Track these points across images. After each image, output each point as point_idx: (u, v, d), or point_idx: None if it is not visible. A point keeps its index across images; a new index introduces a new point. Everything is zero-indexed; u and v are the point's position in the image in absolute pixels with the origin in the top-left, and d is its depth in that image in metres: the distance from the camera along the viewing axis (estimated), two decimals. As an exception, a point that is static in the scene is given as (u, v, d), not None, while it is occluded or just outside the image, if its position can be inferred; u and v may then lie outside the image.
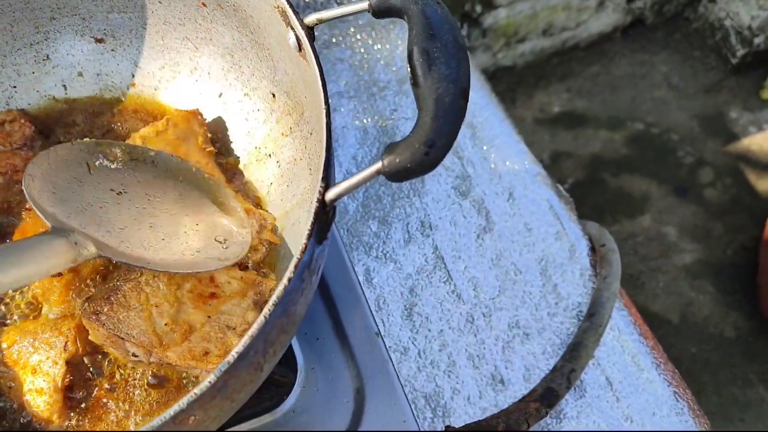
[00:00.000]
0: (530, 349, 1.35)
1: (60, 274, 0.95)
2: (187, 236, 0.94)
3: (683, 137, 2.99)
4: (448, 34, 0.73)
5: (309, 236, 0.72)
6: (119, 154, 0.95)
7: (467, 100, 0.72)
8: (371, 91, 1.64)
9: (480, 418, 1.19)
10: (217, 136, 1.10)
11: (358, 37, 1.70)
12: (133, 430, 0.89)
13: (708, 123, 3.02)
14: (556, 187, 1.55)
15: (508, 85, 3.08)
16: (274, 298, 0.69)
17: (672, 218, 2.79)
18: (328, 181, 0.76)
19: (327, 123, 0.78)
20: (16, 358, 0.91)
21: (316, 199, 0.74)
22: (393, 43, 1.70)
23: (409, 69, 0.74)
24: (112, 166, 0.94)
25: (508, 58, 3.10)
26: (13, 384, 0.92)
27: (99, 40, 1.13)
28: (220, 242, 0.95)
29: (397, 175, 0.70)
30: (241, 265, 0.99)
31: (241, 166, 1.08)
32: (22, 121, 1.08)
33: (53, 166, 0.89)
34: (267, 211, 1.04)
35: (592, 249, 1.47)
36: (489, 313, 1.38)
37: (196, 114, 1.08)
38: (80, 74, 1.14)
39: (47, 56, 1.12)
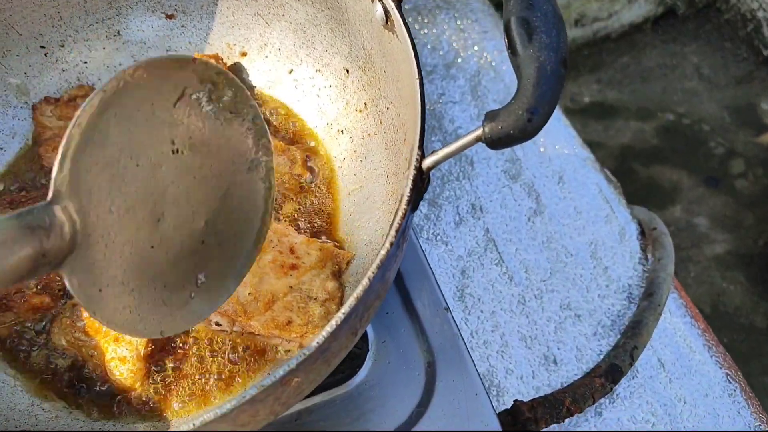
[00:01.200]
0: (581, 330, 1.35)
1: None
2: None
3: (714, 128, 2.99)
4: (547, 4, 0.74)
5: (408, 202, 0.73)
6: (227, 98, 0.73)
7: (567, 69, 0.73)
8: (418, 75, 1.64)
9: (533, 397, 1.20)
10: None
11: (405, 21, 1.70)
12: (219, 396, 0.90)
13: (739, 114, 3.02)
14: (604, 172, 1.56)
15: (539, 75, 3.07)
16: (377, 262, 0.70)
17: (703, 209, 2.79)
18: (423, 149, 0.77)
19: (421, 93, 0.78)
20: (98, 327, 0.93)
21: (413, 167, 0.75)
22: (440, 28, 1.71)
23: (506, 38, 0.75)
24: (206, 108, 0.72)
25: (538, 48, 3.10)
26: (94, 352, 0.93)
27: (169, 16, 1.14)
28: None
29: (498, 141, 0.71)
30: (314, 232, 1.00)
31: (313, 142, 1.09)
32: None
33: (146, 79, 0.65)
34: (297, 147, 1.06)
35: (642, 233, 1.48)
36: (540, 294, 1.39)
37: (217, 59, 1.10)
38: (150, 50, 1.15)
39: (118, 32, 1.13)
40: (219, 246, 0.76)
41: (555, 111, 1.62)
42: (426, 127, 1.56)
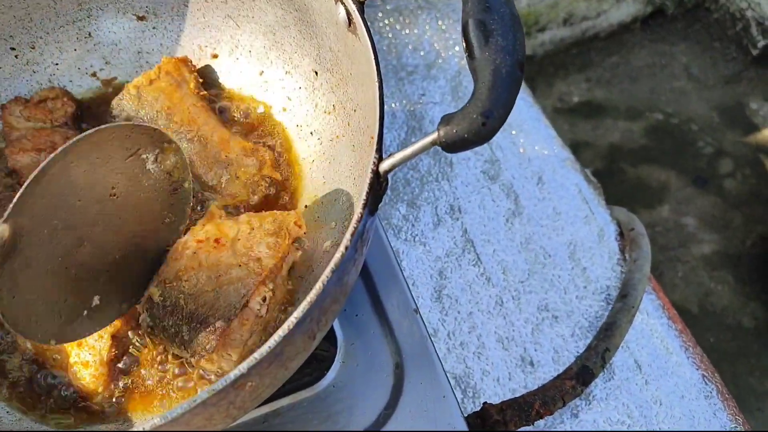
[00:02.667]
0: (559, 331, 1.35)
1: None
2: None
3: (703, 128, 2.98)
4: (504, 6, 0.74)
5: (364, 206, 0.73)
6: (169, 162, 0.91)
7: (523, 72, 0.73)
8: (399, 76, 1.64)
9: (515, 396, 1.20)
10: (208, 82, 1.13)
11: (386, 21, 1.70)
12: (179, 400, 0.90)
13: (728, 114, 3.01)
14: (584, 173, 1.56)
15: (528, 74, 3.07)
16: (331, 266, 0.70)
17: (691, 208, 2.78)
18: (381, 153, 0.76)
19: (380, 95, 0.78)
20: None
21: (369, 170, 0.75)
22: (421, 28, 1.71)
23: (463, 41, 0.75)
24: (150, 166, 0.89)
25: (527, 47, 3.10)
26: (58, 356, 0.93)
27: (141, 18, 1.13)
28: None
29: (453, 145, 0.71)
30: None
31: (282, 144, 1.08)
32: (65, 99, 1.09)
33: (115, 134, 0.83)
34: (266, 149, 1.06)
35: (620, 234, 1.48)
36: (518, 295, 1.39)
37: (186, 61, 1.10)
38: (121, 52, 1.14)
39: (89, 34, 1.13)
40: (120, 278, 0.90)
41: (535, 112, 1.63)
42: (408, 128, 1.57)
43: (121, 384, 0.92)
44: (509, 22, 0.73)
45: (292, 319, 0.68)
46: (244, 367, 0.66)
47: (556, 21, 3.07)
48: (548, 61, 3.18)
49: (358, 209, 0.73)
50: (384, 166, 0.75)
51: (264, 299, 0.90)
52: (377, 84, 0.78)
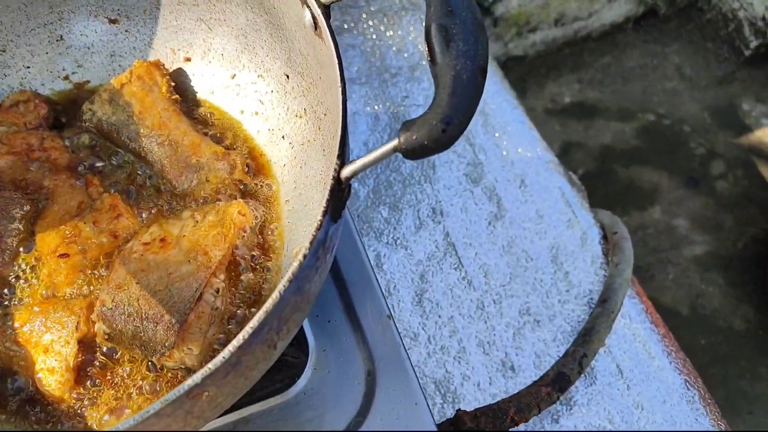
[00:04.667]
0: (541, 336, 1.34)
1: (66, 255, 0.95)
2: None
3: (695, 129, 2.97)
4: (467, 11, 0.73)
5: (324, 213, 0.72)
6: None
7: (485, 77, 0.72)
8: (383, 78, 1.63)
9: (490, 403, 1.19)
10: (180, 86, 1.12)
11: (370, 23, 1.69)
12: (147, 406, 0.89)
13: (720, 115, 3.00)
14: (568, 175, 1.55)
15: (519, 75, 3.06)
16: (288, 275, 0.69)
17: (682, 210, 2.77)
18: (343, 158, 0.75)
19: (343, 100, 0.77)
20: (28, 337, 0.91)
21: (331, 177, 0.74)
22: (405, 30, 1.70)
23: (426, 46, 0.74)
24: None
25: (519, 47, 3.09)
26: (24, 363, 0.92)
27: (113, 21, 1.12)
28: None
29: (413, 152, 0.70)
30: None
31: (254, 148, 1.08)
32: (37, 101, 1.08)
33: None
34: (236, 153, 1.06)
35: (604, 237, 1.46)
36: (500, 299, 1.38)
37: (158, 65, 1.10)
38: (94, 55, 1.14)
39: (61, 37, 1.12)
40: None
41: (519, 114, 1.62)
42: (391, 131, 1.55)
43: (89, 391, 0.91)
44: (471, 27, 0.72)
45: (248, 329, 0.67)
46: (198, 377, 0.65)
47: (548, 21, 3.06)
48: (540, 62, 3.17)
49: (318, 216, 0.72)
50: (345, 172, 0.74)
51: (217, 291, 0.91)
52: (340, 88, 0.77)
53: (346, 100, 0.77)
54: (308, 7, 0.85)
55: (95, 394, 0.91)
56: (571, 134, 2.97)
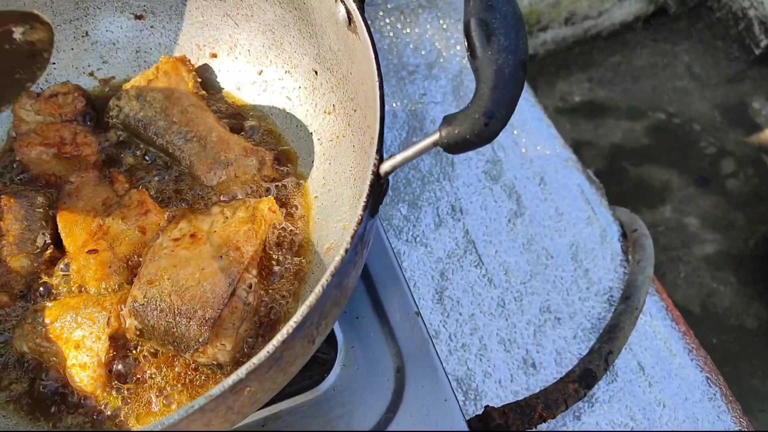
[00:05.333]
0: (561, 333, 1.34)
1: (95, 251, 0.95)
2: None
3: (705, 127, 2.97)
4: (507, 5, 0.73)
5: (364, 208, 0.72)
6: (36, 36, 1.06)
7: (526, 72, 0.71)
8: (400, 75, 1.63)
9: (511, 401, 1.18)
10: (206, 82, 1.12)
11: (387, 20, 1.69)
12: (187, 403, 0.89)
13: (730, 113, 3.00)
14: (586, 173, 1.55)
15: (529, 73, 3.06)
16: (331, 269, 0.69)
17: (693, 209, 2.77)
18: (381, 153, 0.75)
19: (380, 95, 0.77)
20: (59, 333, 0.91)
21: (370, 172, 0.73)
22: (422, 27, 1.69)
23: (465, 40, 0.74)
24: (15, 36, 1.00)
25: (529, 46, 3.08)
26: (55, 359, 0.91)
27: (138, 17, 1.12)
28: None
29: (455, 146, 0.70)
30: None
31: (282, 144, 1.07)
32: (76, 94, 1.08)
33: None
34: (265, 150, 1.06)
35: (623, 235, 1.46)
36: (520, 297, 1.38)
37: (184, 60, 1.09)
38: (119, 51, 1.13)
39: (86, 32, 1.12)
40: None
41: (537, 111, 1.61)
42: (409, 128, 1.55)
43: (122, 387, 0.91)
44: (512, 21, 0.72)
45: (292, 324, 0.66)
46: (242, 371, 0.65)
47: (558, 20, 3.05)
48: (550, 61, 3.17)
49: (358, 211, 0.72)
50: (385, 167, 0.74)
51: (250, 286, 0.90)
52: (377, 84, 0.77)
53: (384, 95, 0.77)
54: (342, 2, 0.85)
55: (126, 390, 0.91)
56: (582, 133, 2.97)
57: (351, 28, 0.86)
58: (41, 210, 1.00)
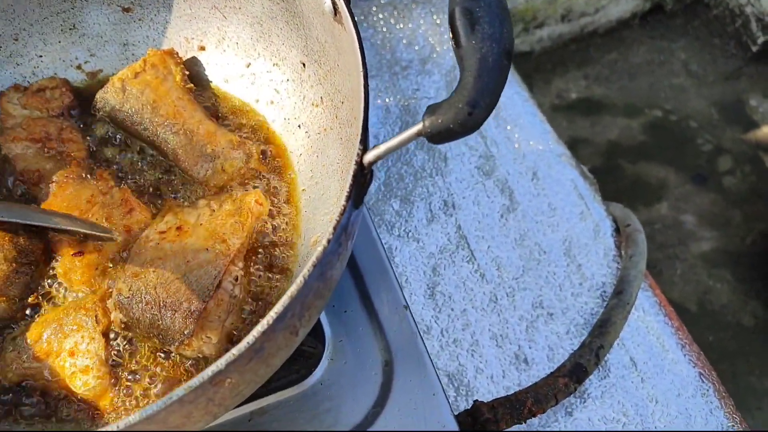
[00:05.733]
0: (554, 328, 1.33)
1: (81, 253, 0.94)
2: None
3: (702, 125, 2.96)
4: (491, -6, 0.72)
5: (347, 198, 0.71)
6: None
7: (511, 61, 0.71)
8: (393, 71, 1.62)
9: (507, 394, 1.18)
10: (194, 75, 1.12)
11: (380, 16, 1.69)
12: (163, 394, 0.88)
13: (727, 110, 2.99)
14: (580, 168, 1.54)
15: (526, 71, 3.05)
16: (313, 260, 0.68)
17: (690, 206, 2.76)
18: (366, 143, 0.75)
19: (365, 85, 0.76)
20: (46, 349, 0.89)
21: (354, 162, 0.73)
22: (415, 22, 1.69)
23: (450, 29, 0.73)
24: None
25: (525, 43, 3.08)
26: (50, 375, 0.88)
27: (126, 9, 1.12)
28: None
29: (438, 136, 0.69)
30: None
31: (270, 137, 1.07)
32: (64, 89, 1.07)
33: None
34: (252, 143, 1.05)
35: (617, 230, 1.46)
36: (512, 292, 1.37)
37: (172, 53, 1.09)
38: (107, 44, 1.13)
39: (74, 25, 1.11)
40: None
41: (530, 107, 1.61)
42: (402, 123, 1.55)
43: (123, 382, 0.90)
44: (496, 10, 0.71)
45: (272, 314, 0.66)
46: (222, 362, 0.64)
47: (554, 17, 3.05)
48: (546, 58, 3.16)
49: (341, 202, 0.71)
50: (368, 157, 0.73)
51: (236, 279, 0.90)
52: (362, 74, 0.77)
53: (368, 86, 0.76)
54: (328, -8, 0.84)
55: (133, 382, 0.89)
56: (578, 130, 2.96)
57: (337, 19, 0.85)
58: (34, 256, 0.96)
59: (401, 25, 1.68)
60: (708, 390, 1.30)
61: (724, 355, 2.44)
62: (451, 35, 0.73)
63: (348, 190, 0.72)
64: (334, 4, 0.84)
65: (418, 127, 0.70)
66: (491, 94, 0.69)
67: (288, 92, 1.05)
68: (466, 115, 0.68)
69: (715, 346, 2.46)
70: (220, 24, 1.09)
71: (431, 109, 0.69)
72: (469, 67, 0.69)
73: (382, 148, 0.72)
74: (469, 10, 0.71)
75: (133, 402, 0.87)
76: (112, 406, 0.87)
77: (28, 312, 0.94)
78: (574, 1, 3.01)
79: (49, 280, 0.96)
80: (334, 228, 0.70)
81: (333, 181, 0.95)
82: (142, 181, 1.05)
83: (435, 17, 1.70)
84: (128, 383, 0.89)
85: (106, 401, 0.88)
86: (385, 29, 1.68)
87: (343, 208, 0.71)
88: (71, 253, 0.94)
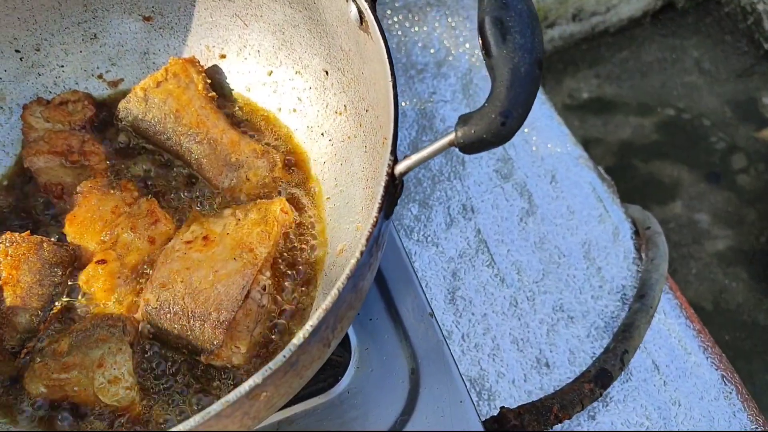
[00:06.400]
0: (575, 332, 1.33)
1: (104, 261, 0.94)
2: None
3: (715, 123, 2.95)
4: (522, 3, 0.72)
5: (379, 210, 0.71)
6: None
7: (542, 70, 0.70)
8: (409, 74, 1.62)
9: (525, 402, 1.17)
10: (216, 83, 1.12)
11: (395, 19, 1.68)
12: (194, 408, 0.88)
13: (740, 108, 2.98)
14: (598, 170, 1.53)
15: (537, 71, 3.03)
16: (347, 272, 0.68)
17: (704, 205, 2.75)
18: (396, 154, 0.74)
19: (394, 95, 0.76)
20: (75, 361, 0.89)
21: (385, 173, 0.72)
22: (430, 25, 1.68)
23: (480, 39, 0.73)
24: None
25: (536, 43, 3.07)
26: (78, 387, 0.88)
27: (147, 18, 1.12)
28: None
29: (471, 146, 0.69)
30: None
31: (293, 145, 1.07)
32: (86, 102, 1.08)
33: None
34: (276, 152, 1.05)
35: (636, 232, 1.45)
36: (533, 296, 1.37)
37: (193, 62, 1.09)
38: (127, 53, 1.13)
39: (95, 35, 1.11)
40: None
41: (547, 109, 1.60)
42: (418, 127, 1.54)
43: (153, 390, 0.90)
44: (527, 20, 0.71)
45: (308, 328, 0.66)
46: (258, 377, 0.64)
47: (565, 17, 3.04)
48: (557, 58, 3.15)
49: (373, 213, 0.71)
50: (400, 168, 0.73)
51: (264, 288, 0.90)
52: (391, 83, 0.76)
53: (398, 95, 0.76)
54: (354, 1, 0.84)
55: (162, 391, 0.89)
56: (590, 130, 2.95)
57: (363, 27, 0.85)
58: (59, 269, 0.96)
59: (416, 29, 1.68)
60: (731, 392, 1.30)
61: (740, 355, 2.43)
62: (481, 45, 0.72)
63: (380, 201, 0.71)
64: (360, 12, 0.84)
65: (450, 137, 0.70)
66: (524, 104, 0.68)
67: (311, 100, 1.05)
68: (499, 125, 0.67)
69: (731, 346, 2.45)
70: (241, 32, 1.08)
71: (463, 120, 0.69)
72: (501, 77, 0.69)
73: (413, 159, 0.72)
74: (500, 20, 0.71)
75: (163, 413, 0.87)
76: (143, 418, 0.87)
77: (53, 325, 0.94)
78: (585, 1, 3.00)
79: (72, 294, 0.96)
80: (367, 239, 0.70)
81: (358, 189, 0.95)
82: (166, 191, 1.05)
83: (450, 20, 1.69)
84: (157, 394, 0.89)
85: (135, 412, 0.87)
86: (400, 32, 1.67)
87: (375, 219, 0.70)
88: (94, 261, 0.94)
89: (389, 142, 0.74)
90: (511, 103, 0.68)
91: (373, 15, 0.81)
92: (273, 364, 0.65)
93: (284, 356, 0.65)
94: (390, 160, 0.73)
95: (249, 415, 0.70)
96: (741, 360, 2.42)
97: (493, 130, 0.67)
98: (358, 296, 0.76)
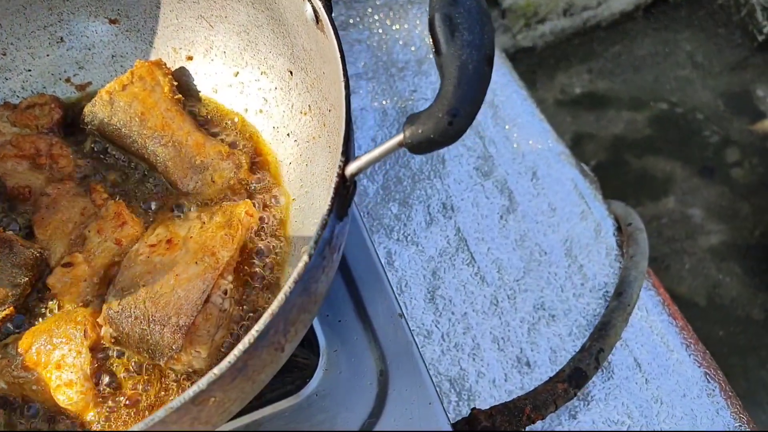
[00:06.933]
0: (556, 330, 1.32)
1: (70, 264, 0.93)
2: None
3: (708, 116, 2.93)
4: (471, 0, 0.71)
5: (329, 211, 0.70)
6: None
7: (492, 67, 0.69)
8: (390, 72, 1.61)
9: (506, 401, 1.17)
10: (183, 85, 1.11)
11: (376, 17, 1.67)
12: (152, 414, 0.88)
13: (734, 101, 2.96)
14: (580, 166, 1.52)
15: (528, 66, 3.03)
16: (294, 275, 0.67)
17: (697, 199, 2.73)
18: (348, 155, 0.73)
19: (346, 95, 0.75)
20: (36, 360, 0.89)
21: (336, 174, 0.72)
22: (411, 23, 1.67)
23: (430, 37, 0.72)
24: None
25: (528, 39, 3.06)
26: (36, 386, 0.89)
27: (113, 21, 1.11)
28: None
29: (419, 146, 0.68)
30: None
31: (259, 146, 1.06)
32: (53, 105, 1.07)
33: None
34: (242, 153, 1.04)
35: (618, 229, 1.44)
36: (513, 295, 1.35)
37: (160, 64, 1.08)
38: (95, 56, 1.12)
39: (61, 38, 1.11)
40: None
41: (529, 105, 1.59)
42: (399, 125, 1.53)
43: (107, 398, 0.89)
44: (476, 16, 0.70)
45: (253, 332, 0.65)
46: (203, 383, 0.64)
47: (556, 11, 3.02)
48: (549, 53, 3.14)
49: (322, 214, 0.70)
50: (350, 169, 0.72)
51: (225, 292, 0.89)
52: (343, 83, 0.75)
53: (350, 96, 0.75)
54: (309, 1, 0.83)
55: (115, 399, 0.89)
56: (583, 125, 2.94)
57: (319, 27, 0.84)
58: (20, 269, 0.95)
59: (397, 26, 1.67)
60: (714, 390, 1.28)
61: (734, 350, 2.42)
62: (431, 43, 0.71)
63: (330, 202, 0.70)
64: (315, 11, 0.83)
65: (399, 138, 0.69)
66: (472, 102, 0.67)
67: (276, 101, 1.04)
68: (446, 124, 0.66)
69: (725, 341, 2.44)
70: (207, 33, 1.08)
71: (411, 120, 0.68)
72: (449, 75, 0.68)
73: (363, 159, 0.71)
74: (449, 17, 0.70)
75: (118, 419, 0.87)
76: (95, 422, 0.87)
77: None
78: (576, -5, 3.00)
79: (39, 295, 0.96)
80: (315, 242, 0.69)
81: (322, 191, 0.94)
82: (135, 194, 1.04)
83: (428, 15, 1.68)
84: (114, 399, 0.88)
85: (87, 416, 0.87)
86: (381, 30, 1.66)
87: (324, 221, 0.69)
88: (61, 264, 0.94)
89: (341, 142, 0.73)
90: (459, 102, 0.67)
91: (328, 14, 0.80)
92: (218, 370, 0.64)
93: (230, 361, 0.64)
94: (341, 161, 0.72)
95: (200, 420, 0.69)
96: (735, 356, 2.40)
97: (440, 129, 0.66)
98: (312, 299, 0.75)
